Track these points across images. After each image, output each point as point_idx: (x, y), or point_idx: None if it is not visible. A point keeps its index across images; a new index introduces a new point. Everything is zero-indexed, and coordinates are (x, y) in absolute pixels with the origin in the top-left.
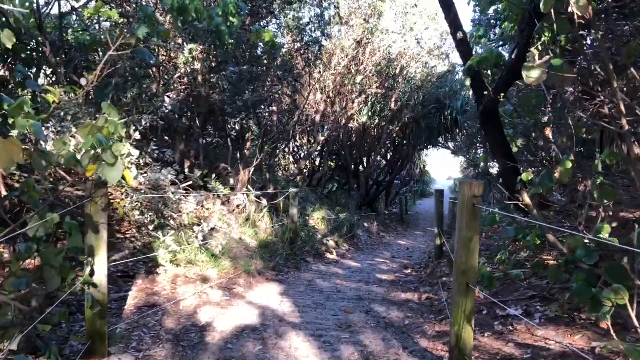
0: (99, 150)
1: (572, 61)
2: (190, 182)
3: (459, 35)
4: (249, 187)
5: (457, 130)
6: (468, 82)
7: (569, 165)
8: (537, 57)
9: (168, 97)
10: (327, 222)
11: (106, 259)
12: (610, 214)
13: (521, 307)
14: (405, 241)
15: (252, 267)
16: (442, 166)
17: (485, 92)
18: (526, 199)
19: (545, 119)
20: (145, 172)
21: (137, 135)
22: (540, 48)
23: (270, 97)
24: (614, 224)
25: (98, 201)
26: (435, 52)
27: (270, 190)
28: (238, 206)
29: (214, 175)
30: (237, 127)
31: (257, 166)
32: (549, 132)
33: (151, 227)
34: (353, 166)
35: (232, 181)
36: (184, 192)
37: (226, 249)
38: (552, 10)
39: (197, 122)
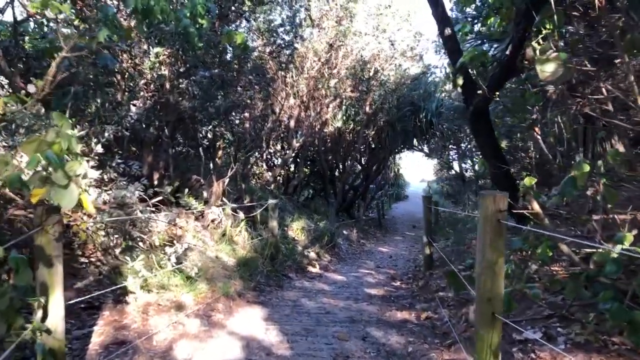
0: (50, 170)
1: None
2: (160, 198)
3: (447, 31)
4: (223, 199)
5: (432, 132)
6: (460, 81)
7: (586, 168)
8: (538, 52)
9: (133, 105)
10: (307, 232)
11: (62, 298)
12: (626, 218)
13: (539, 329)
14: (386, 248)
15: (231, 288)
16: (415, 169)
17: (480, 91)
18: (536, 207)
19: (534, 117)
20: (110, 189)
21: (99, 149)
22: (541, 42)
23: (242, 103)
24: (634, 232)
25: (50, 230)
26: (409, 54)
27: (247, 201)
28: (213, 221)
29: (186, 190)
30: (209, 135)
31: (232, 176)
32: (537, 132)
33: (118, 250)
34: (329, 172)
35: (205, 194)
36: (154, 209)
37: (202, 270)
38: (552, 1)
39: (166, 131)
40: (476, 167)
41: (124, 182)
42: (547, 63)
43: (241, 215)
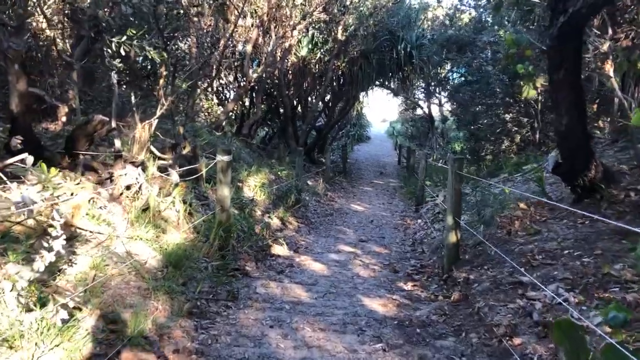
0: None
1: None
2: (23, 155)
3: None
4: (151, 148)
5: (412, 67)
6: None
7: None
8: None
9: None
10: (268, 188)
11: None
12: None
13: None
14: (360, 205)
15: (146, 323)
16: (377, 107)
17: None
18: None
19: (605, 47)
20: None
21: None
22: None
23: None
24: None
25: None
26: None
27: (186, 151)
28: (128, 187)
29: (82, 139)
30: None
31: (167, 113)
32: (609, 67)
33: None
34: (290, 110)
35: (117, 143)
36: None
37: (95, 290)
38: None
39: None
40: (446, 110)
41: None
42: None
43: (175, 176)
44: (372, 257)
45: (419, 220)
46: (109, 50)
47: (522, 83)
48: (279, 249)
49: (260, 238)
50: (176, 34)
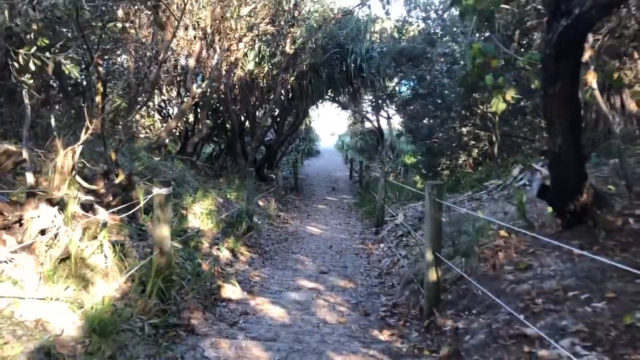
0: None
1: None
2: None
3: None
4: (77, 179)
5: (362, 80)
6: None
7: None
8: None
9: None
10: (216, 214)
11: None
12: None
13: None
14: (316, 227)
15: None
16: (326, 121)
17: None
18: None
19: (586, 56)
20: None
21: None
22: None
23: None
24: None
25: None
26: None
27: (120, 178)
28: (43, 232)
29: None
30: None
31: (97, 135)
32: (591, 78)
33: None
34: (238, 125)
35: (29, 177)
36: None
37: None
38: None
39: None
40: (397, 123)
41: None
42: None
43: (103, 213)
44: (336, 295)
45: (382, 245)
46: (15, 64)
47: (492, 95)
48: (231, 291)
49: (208, 278)
50: (110, 47)
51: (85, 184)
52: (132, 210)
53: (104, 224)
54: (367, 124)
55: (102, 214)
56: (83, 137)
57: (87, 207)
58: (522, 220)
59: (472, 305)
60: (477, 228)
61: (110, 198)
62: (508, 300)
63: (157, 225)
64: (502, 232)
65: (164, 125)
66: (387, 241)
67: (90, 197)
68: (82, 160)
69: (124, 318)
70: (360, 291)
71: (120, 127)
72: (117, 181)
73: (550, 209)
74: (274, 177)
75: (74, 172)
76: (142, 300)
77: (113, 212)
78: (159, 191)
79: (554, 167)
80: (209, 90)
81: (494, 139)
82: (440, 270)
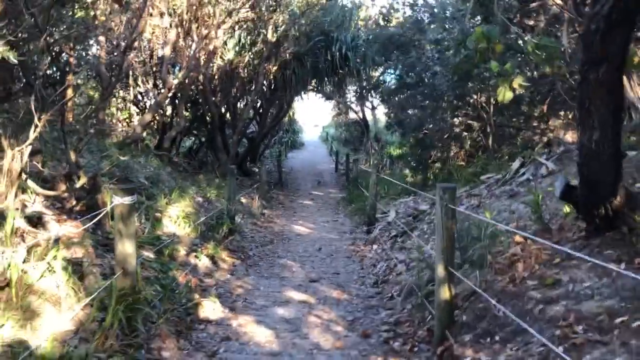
0: None
1: None
2: None
3: None
4: (29, 183)
5: (348, 70)
6: None
7: None
8: None
9: None
10: (195, 217)
11: None
12: None
13: None
14: (303, 226)
15: None
16: (309, 112)
17: None
18: None
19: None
20: None
21: None
22: None
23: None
24: None
25: None
26: None
27: (81, 181)
28: None
29: None
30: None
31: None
32: None
33: None
34: (218, 118)
35: None
36: None
37: None
38: None
39: None
40: (382, 113)
41: None
42: None
43: (54, 227)
44: (330, 309)
45: (375, 246)
46: None
47: (497, 83)
48: (210, 308)
49: (184, 293)
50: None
51: (40, 190)
52: (97, 217)
53: (56, 240)
54: (352, 115)
55: (54, 226)
56: (32, 135)
57: (34, 220)
58: (537, 224)
59: (494, 329)
60: (489, 233)
61: (74, 203)
62: (540, 327)
63: (119, 241)
64: (518, 238)
65: (139, 118)
66: (380, 242)
67: (37, 209)
68: (45, 161)
69: (78, 358)
70: (356, 304)
71: (89, 122)
72: (78, 185)
73: (566, 210)
74: (256, 170)
75: (24, 176)
76: (101, 333)
77: (76, 219)
78: (120, 200)
79: (586, 165)
80: (186, 80)
81: (488, 129)
82: (454, 286)
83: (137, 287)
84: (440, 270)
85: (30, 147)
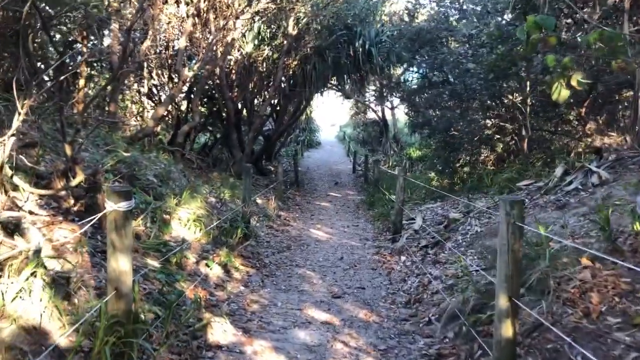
0: None
1: None
2: None
3: None
4: (15, 180)
5: (371, 66)
6: None
7: None
8: None
9: None
10: (207, 219)
11: None
12: None
13: None
14: (321, 230)
15: None
16: (326, 111)
17: None
18: None
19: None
20: None
21: None
22: None
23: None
24: None
25: None
26: None
27: (78, 179)
28: None
29: None
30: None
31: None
32: None
33: None
34: (234, 114)
35: None
36: None
37: None
38: None
39: None
40: (403, 112)
41: None
42: None
43: (35, 237)
44: (358, 334)
45: (403, 257)
46: None
47: (553, 80)
48: (220, 331)
49: (191, 311)
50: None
51: (29, 187)
52: (92, 221)
53: (37, 251)
54: (370, 115)
55: (35, 236)
56: (15, 124)
57: (10, 227)
58: (605, 243)
59: None
60: (551, 254)
61: (72, 202)
62: None
63: (111, 255)
64: (585, 260)
65: (154, 112)
66: (408, 253)
67: (15, 214)
68: (41, 155)
69: None
70: (387, 328)
71: (91, 113)
72: (73, 183)
73: (637, 227)
74: (272, 169)
75: (10, 173)
76: None
77: (73, 221)
78: (113, 207)
79: None
80: (202, 72)
81: (523, 132)
82: (518, 322)
83: (134, 311)
84: (502, 302)
85: (13, 138)
